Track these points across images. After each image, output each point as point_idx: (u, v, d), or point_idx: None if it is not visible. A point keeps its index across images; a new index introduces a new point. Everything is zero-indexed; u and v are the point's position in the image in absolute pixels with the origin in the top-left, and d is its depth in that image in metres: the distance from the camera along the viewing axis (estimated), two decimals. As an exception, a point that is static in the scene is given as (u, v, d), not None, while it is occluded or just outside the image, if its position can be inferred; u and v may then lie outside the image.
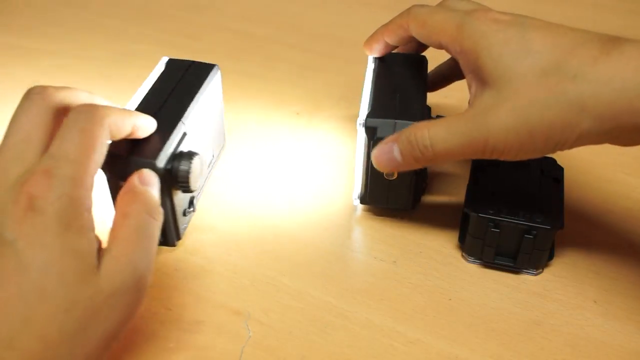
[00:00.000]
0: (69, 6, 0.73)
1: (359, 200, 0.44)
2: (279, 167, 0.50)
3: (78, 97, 0.35)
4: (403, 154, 0.36)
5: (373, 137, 0.40)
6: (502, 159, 0.35)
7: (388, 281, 0.41)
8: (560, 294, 0.40)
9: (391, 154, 0.37)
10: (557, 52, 0.33)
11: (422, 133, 0.36)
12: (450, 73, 0.46)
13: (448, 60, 0.46)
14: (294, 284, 0.40)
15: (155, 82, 0.42)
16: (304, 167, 0.50)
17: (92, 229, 0.29)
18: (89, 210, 0.29)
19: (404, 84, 0.43)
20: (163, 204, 0.35)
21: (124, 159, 0.36)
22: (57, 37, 0.67)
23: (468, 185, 0.42)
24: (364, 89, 0.44)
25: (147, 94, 0.41)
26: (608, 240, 0.43)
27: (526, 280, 0.41)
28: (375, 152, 0.38)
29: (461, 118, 0.35)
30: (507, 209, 0.39)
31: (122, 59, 0.64)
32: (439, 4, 0.40)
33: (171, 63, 0.44)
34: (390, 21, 0.42)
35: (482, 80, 0.35)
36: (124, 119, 0.33)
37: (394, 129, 0.39)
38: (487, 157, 0.35)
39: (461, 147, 0.35)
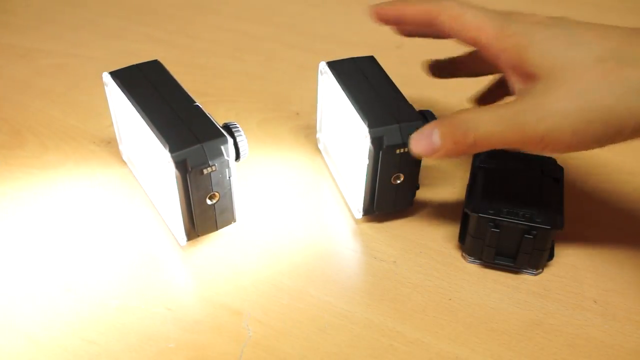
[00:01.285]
0: (68, 5, 0.73)
1: (362, 213, 0.44)
2: (279, 167, 0.50)
3: None
4: (443, 138, 0.34)
5: (381, 146, 0.39)
6: (549, 150, 0.34)
7: (388, 281, 0.41)
8: (560, 294, 0.40)
9: (430, 138, 0.35)
10: (609, 42, 0.33)
11: (467, 116, 0.34)
12: (468, 64, 0.47)
13: (468, 54, 0.47)
14: (294, 284, 0.40)
15: (132, 95, 0.41)
16: (304, 166, 0.50)
17: None
18: None
19: (378, 88, 0.43)
20: (226, 183, 0.39)
21: (197, 146, 0.37)
22: (56, 36, 0.67)
23: (468, 185, 0.42)
24: (319, 103, 0.44)
25: (141, 106, 0.40)
26: (608, 240, 0.43)
27: (526, 280, 0.41)
28: (414, 136, 0.36)
29: (509, 105, 0.34)
30: (507, 209, 0.39)
31: (121, 58, 0.63)
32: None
33: (119, 74, 0.43)
34: (416, 2, 0.40)
35: (528, 75, 0.34)
36: None
37: (400, 134, 0.39)
38: (533, 147, 0.33)
39: (508, 132, 0.33)
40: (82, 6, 0.73)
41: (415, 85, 0.60)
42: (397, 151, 0.40)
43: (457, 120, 0.34)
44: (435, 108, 0.46)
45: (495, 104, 0.36)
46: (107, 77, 0.43)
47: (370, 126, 0.39)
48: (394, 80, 0.44)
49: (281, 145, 0.52)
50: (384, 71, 0.45)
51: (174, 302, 0.39)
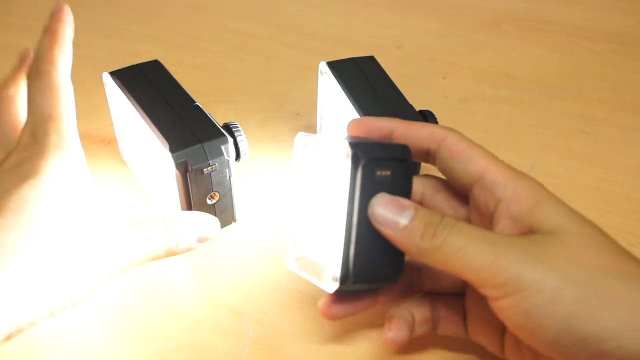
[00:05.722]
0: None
1: None
2: (279, 167, 0.50)
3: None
4: (413, 222, 0.28)
5: None
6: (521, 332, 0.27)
7: (388, 281, 0.41)
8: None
9: (400, 211, 0.29)
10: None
11: (451, 220, 0.28)
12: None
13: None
14: (294, 284, 0.40)
15: (133, 95, 0.41)
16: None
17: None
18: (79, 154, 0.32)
19: (378, 88, 0.43)
20: (226, 183, 0.38)
21: (198, 146, 0.37)
22: (57, 37, 0.67)
23: None
24: (319, 103, 0.44)
25: (141, 106, 0.40)
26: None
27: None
28: (384, 198, 0.29)
29: (502, 234, 0.29)
30: None
31: (122, 58, 0.63)
32: None
33: (119, 74, 0.43)
34: (416, 125, 0.33)
35: (529, 226, 0.29)
36: (63, 43, 0.39)
37: None
38: (489, 294, 0.27)
39: (479, 259, 0.26)
40: (82, 6, 0.73)
41: (415, 85, 0.61)
42: None
43: (438, 216, 0.28)
44: (435, 108, 0.46)
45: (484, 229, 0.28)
46: (107, 77, 0.43)
47: None
48: (394, 80, 0.44)
49: (281, 145, 0.52)
50: (384, 71, 0.45)
51: (174, 302, 0.39)
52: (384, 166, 0.30)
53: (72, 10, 0.43)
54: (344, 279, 0.30)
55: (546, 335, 0.26)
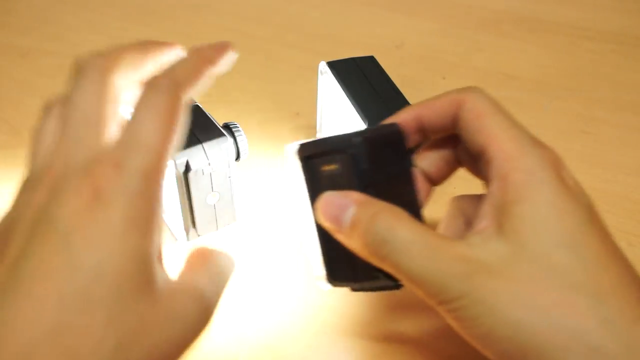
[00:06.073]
0: (69, 6, 0.73)
1: None
2: (279, 167, 0.50)
3: (145, 59, 0.29)
4: (354, 226, 0.27)
5: None
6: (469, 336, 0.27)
7: (388, 281, 0.41)
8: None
9: (342, 214, 0.27)
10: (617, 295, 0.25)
11: (396, 225, 0.26)
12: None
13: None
14: (294, 285, 0.40)
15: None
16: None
17: (160, 233, 0.24)
18: (159, 210, 0.24)
19: (378, 88, 0.43)
20: (226, 183, 0.38)
21: (198, 146, 0.37)
22: (57, 36, 0.67)
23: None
24: (319, 103, 0.44)
25: None
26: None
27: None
28: (327, 199, 0.28)
29: (451, 246, 0.26)
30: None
31: (122, 58, 0.64)
32: None
33: None
34: (439, 96, 0.30)
35: (499, 224, 0.26)
36: (204, 77, 0.28)
37: None
38: (440, 311, 0.27)
39: (421, 279, 0.26)
40: (83, 7, 0.73)
41: (415, 85, 0.61)
42: None
43: (384, 222, 0.26)
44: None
45: (436, 233, 0.26)
46: None
47: (370, 126, 0.39)
48: (394, 80, 0.44)
49: (281, 145, 0.52)
50: (384, 71, 0.45)
51: (174, 302, 0.39)
52: (327, 160, 0.28)
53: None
54: (327, 278, 0.30)
55: (474, 344, 0.28)
